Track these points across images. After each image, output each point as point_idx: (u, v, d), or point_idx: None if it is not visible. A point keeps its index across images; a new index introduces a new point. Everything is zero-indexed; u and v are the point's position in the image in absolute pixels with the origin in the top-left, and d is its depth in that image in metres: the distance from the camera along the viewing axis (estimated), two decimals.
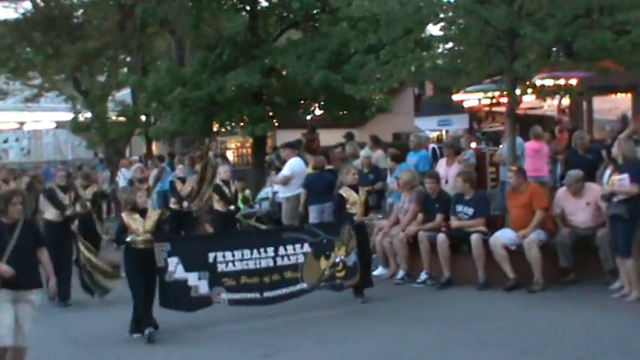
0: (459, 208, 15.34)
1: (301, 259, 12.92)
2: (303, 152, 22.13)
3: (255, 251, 12.60)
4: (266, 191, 20.47)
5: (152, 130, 31.75)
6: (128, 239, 11.60)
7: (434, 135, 25.39)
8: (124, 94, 39.11)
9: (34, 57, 38.48)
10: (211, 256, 12.31)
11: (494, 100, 23.51)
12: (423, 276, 15.29)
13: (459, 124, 26.79)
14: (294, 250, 12.87)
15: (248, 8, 26.38)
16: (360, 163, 18.76)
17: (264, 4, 26.94)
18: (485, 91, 24.37)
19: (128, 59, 37.22)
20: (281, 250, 12.75)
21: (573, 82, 21.64)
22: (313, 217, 18.07)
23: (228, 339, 11.92)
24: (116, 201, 29.09)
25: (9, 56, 38.02)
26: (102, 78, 37.66)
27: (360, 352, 11.26)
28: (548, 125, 24.66)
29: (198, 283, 12.08)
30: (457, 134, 22.13)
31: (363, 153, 19.16)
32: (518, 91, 18.11)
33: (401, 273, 15.72)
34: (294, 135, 28.57)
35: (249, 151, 32.36)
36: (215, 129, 28.42)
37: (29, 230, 9.32)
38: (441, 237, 14.96)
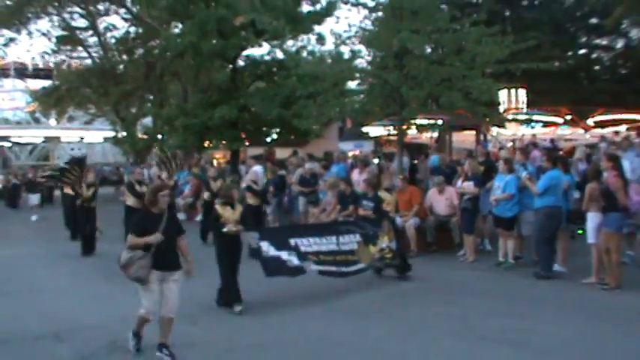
0: (364, 202, 15.69)
1: (355, 246, 11.52)
2: (263, 162, 22.52)
3: (323, 239, 11.24)
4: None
5: (164, 145, 32.25)
6: (225, 229, 10.00)
7: (351, 153, 25.78)
8: (147, 120, 39.13)
9: (91, 95, 38.71)
10: (292, 241, 10.90)
11: (390, 132, 23.89)
12: None
13: (367, 146, 27.16)
14: (350, 239, 11.53)
15: (230, 66, 26.61)
16: (304, 172, 18.56)
17: (241, 64, 27.20)
18: (384, 125, 24.67)
19: (151, 97, 37.25)
20: (340, 239, 11.41)
21: (440, 122, 22.29)
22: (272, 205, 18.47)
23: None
24: None
25: (75, 94, 38.45)
26: (133, 109, 37.64)
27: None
28: (425, 149, 25.25)
29: (289, 257, 10.68)
30: (366, 153, 22.41)
31: (307, 165, 19.25)
32: (405, 127, 18.73)
33: None
34: (258, 150, 28.94)
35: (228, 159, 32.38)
36: (206, 145, 28.43)
37: (173, 220, 8.04)
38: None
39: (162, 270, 7.66)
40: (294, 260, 10.69)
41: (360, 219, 12.46)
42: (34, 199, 28.80)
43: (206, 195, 17.42)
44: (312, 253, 10.95)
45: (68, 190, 18.99)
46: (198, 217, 19.75)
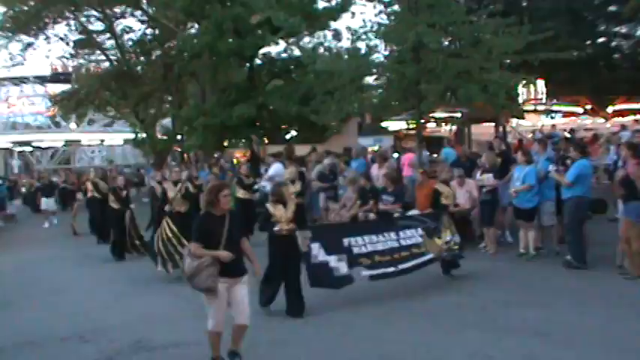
0: (384, 197, 15.78)
1: (419, 239, 10.86)
2: (284, 159, 22.56)
3: (380, 236, 10.52)
4: (259, 185, 20.38)
5: (184, 145, 32.52)
6: (276, 228, 9.46)
7: (371, 148, 25.76)
8: (167, 121, 39.44)
9: (111, 98, 39.02)
10: (345, 241, 10.17)
11: (409, 126, 23.87)
12: None
13: (387, 141, 27.18)
14: (412, 233, 10.84)
15: (248, 65, 26.74)
16: (324, 168, 18.66)
17: (259, 62, 27.31)
18: (403, 120, 24.77)
19: (170, 98, 37.45)
20: (401, 234, 10.73)
21: (458, 115, 22.28)
22: None
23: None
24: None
25: (95, 97, 38.80)
26: (152, 111, 37.87)
27: None
28: (444, 142, 25.21)
29: (338, 264, 9.93)
30: (385, 148, 22.47)
31: (326, 161, 19.23)
32: (423, 121, 18.74)
33: None
34: (278, 148, 28.96)
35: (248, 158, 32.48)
36: (225, 144, 28.66)
37: (236, 221, 7.31)
38: (372, 216, 15.08)
39: (230, 276, 7.05)
40: (343, 268, 10.00)
41: (420, 215, 12.06)
42: (50, 203, 26.54)
43: (241, 192, 17.10)
44: (365, 255, 10.27)
45: (93, 194, 19.22)
46: None
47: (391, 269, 10.39)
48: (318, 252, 9.90)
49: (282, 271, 9.59)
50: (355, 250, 10.21)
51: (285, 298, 9.67)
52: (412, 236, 10.85)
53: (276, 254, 9.60)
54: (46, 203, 26.31)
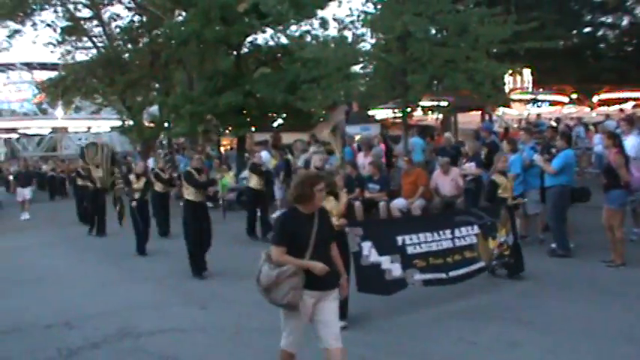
0: (370, 185, 15.88)
1: (474, 239, 9.54)
2: (270, 147, 22.59)
3: (435, 234, 9.23)
4: (245, 172, 20.21)
5: (171, 133, 32.66)
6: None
7: (358, 137, 25.78)
8: (154, 109, 39.24)
9: (98, 85, 38.83)
10: (399, 239, 8.90)
11: (395, 115, 23.90)
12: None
13: (374, 130, 27.21)
14: (467, 231, 9.52)
15: (235, 53, 26.66)
16: (309, 156, 18.52)
17: (246, 50, 27.25)
18: (390, 109, 24.77)
19: (157, 86, 37.31)
20: (456, 232, 9.41)
21: (444, 103, 22.33)
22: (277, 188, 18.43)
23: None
24: None
25: (82, 84, 38.59)
26: (140, 98, 37.72)
27: None
28: (431, 131, 25.28)
29: (391, 266, 8.72)
30: (371, 136, 22.50)
31: (312, 149, 19.21)
32: (409, 110, 18.78)
33: None
34: (264, 136, 28.98)
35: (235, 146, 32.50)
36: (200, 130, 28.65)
37: (325, 220, 5.85)
38: (358, 203, 15.35)
39: (319, 289, 5.66)
40: (396, 270, 8.79)
41: (477, 208, 10.95)
42: (26, 193, 24.50)
43: (253, 182, 16.04)
44: (420, 256, 9.05)
45: (82, 182, 19.00)
46: None
47: (443, 275, 9.21)
48: (369, 252, 8.72)
49: None
50: (409, 250, 9.02)
51: None
52: (467, 235, 9.57)
53: None
54: (22, 194, 24.44)
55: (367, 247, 8.70)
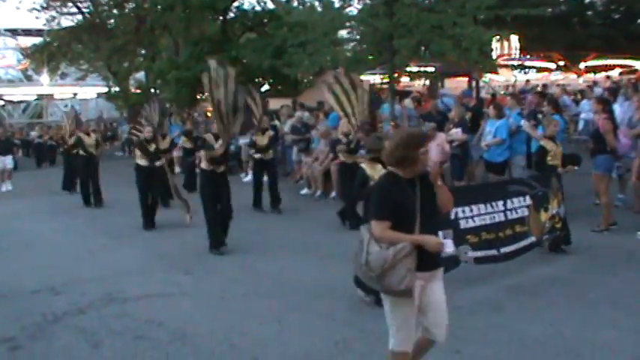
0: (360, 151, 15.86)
1: (525, 212, 8.75)
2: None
3: (488, 205, 8.42)
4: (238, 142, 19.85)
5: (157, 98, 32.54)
6: None
7: None
8: (140, 75, 39.08)
9: (83, 51, 38.59)
10: (452, 211, 7.79)
11: (382, 80, 23.82)
12: (333, 194, 15.60)
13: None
14: (520, 203, 8.72)
15: (221, 18, 26.49)
16: (296, 121, 18.62)
17: (232, 15, 27.06)
18: (377, 74, 24.71)
19: (143, 51, 37.12)
20: (509, 204, 8.61)
21: (431, 69, 22.31)
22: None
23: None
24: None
25: (67, 50, 38.32)
26: (125, 64, 37.48)
27: None
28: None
29: (444, 241, 5.60)
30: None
31: (297, 114, 19.22)
32: (396, 75, 18.73)
33: (318, 192, 16.11)
34: None
35: None
36: (198, 97, 28.50)
37: (427, 185, 4.76)
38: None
39: (428, 269, 4.73)
40: (449, 246, 6.16)
41: (528, 177, 9.94)
42: (7, 162, 22.39)
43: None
44: (471, 231, 8.24)
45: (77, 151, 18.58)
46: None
47: (494, 252, 8.47)
48: None
49: None
50: (462, 224, 8.18)
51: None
52: (519, 207, 8.77)
53: None
54: (2, 162, 22.19)
55: None
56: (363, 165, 7.44)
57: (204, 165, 10.86)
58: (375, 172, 7.05)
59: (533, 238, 8.87)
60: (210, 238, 10.70)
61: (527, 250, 8.81)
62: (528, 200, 8.83)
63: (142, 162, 13.30)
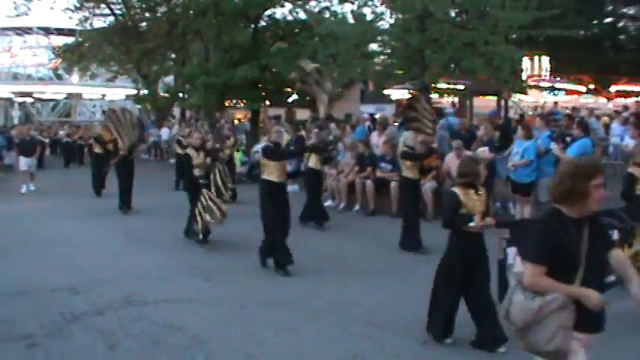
0: (382, 164, 15.77)
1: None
2: (285, 123, 22.52)
3: None
4: (257, 147, 20.00)
5: (186, 103, 32.82)
6: (471, 224, 6.44)
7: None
8: (169, 78, 39.31)
9: (113, 53, 38.82)
10: None
11: (411, 95, 23.80)
12: (357, 207, 15.70)
13: (389, 110, 27.10)
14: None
15: (252, 26, 26.55)
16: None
17: (263, 24, 27.12)
18: (406, 89, 24.64)
19: (173, 56, 37.33)
20: None
21: (461, 87, 22.21)
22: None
23: None
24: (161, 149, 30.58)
25: (97, 52, 38.62)
26: (155, 67, 37.69)
27: None
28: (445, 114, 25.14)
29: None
30: (386, 116, 22.37)
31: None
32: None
33: (342, 205, 16.07)
34: (279, 111, 28.96)
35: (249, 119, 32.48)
36: (227, 104, 28.58)
37: (599, 229, 4.12)
38: (369, 183, 15.32)
39: (588, 331, 3.96)
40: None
41: (620, 209, 8.44)
42: (29, 163, 21.41)
43: (313, 162, 14.19)
44: None
45: (97, 150, 18.79)
46: None
47: None
48: (514, 260, 7.03)
49: (462, 284, 6.69)
50: None
51: (475, 323, 6.74)
52: None
53: (459, 259, 6.68)
54: (26, 163, 21.32)
55: (512, 253, 7.17)
56: (455, 190, 6.62)
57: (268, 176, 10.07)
58: (468, 198, 6.41)
59: (612, 277, 6.95)
60: (263, 255, 10.18)
61: (607, 288, 7.33)
62: (616, 235, 7.73)
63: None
